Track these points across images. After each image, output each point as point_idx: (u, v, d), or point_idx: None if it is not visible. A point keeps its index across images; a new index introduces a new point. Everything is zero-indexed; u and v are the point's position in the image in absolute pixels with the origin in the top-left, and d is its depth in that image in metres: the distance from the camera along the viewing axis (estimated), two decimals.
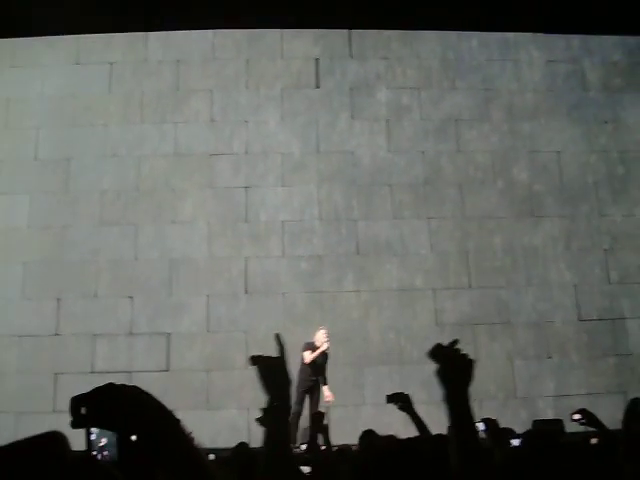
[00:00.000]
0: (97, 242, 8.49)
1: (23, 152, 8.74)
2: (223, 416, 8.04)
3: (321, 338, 7.53)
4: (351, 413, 8.03)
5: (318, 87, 9.03)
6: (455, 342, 1.72)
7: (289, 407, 1.66)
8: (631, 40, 9.51)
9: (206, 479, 1.05)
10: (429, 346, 6.23)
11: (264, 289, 8.43)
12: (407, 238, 8.65)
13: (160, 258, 8.47)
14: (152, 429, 1.03)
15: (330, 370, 8.22)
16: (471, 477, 1.53)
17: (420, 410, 3.29)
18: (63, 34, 8.74)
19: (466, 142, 9.04)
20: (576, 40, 9.42)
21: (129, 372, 8.18)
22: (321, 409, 7.54)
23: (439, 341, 6.12)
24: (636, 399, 3.46)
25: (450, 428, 1.60)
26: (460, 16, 8.95)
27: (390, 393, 3.51)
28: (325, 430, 4.35)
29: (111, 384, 1.06)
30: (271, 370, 1.69)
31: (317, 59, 9.11)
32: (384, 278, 8.53)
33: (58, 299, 8.37)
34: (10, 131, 8.83)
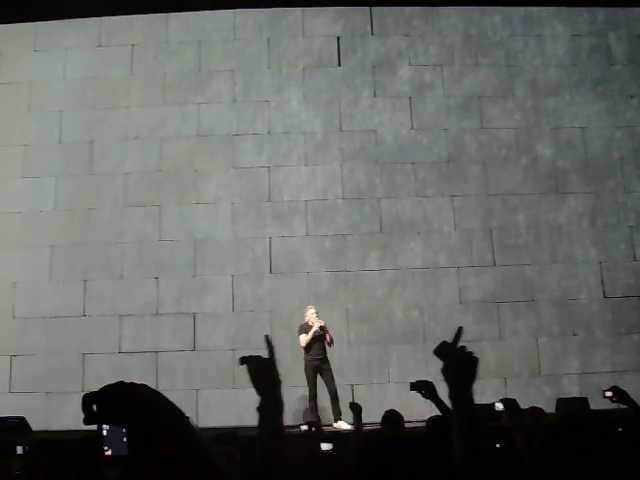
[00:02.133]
0: (122, 224, 9.14)
1: (47, 136, 9.38)
2: (249, 394, 8.60)
3: (311, 318, 7.96)
4: (376, 391, 8.62)
5: (340, 65, 9.55)
6: (460, 333, 1.79)
7: (281, 406, 1.83)
8: None
9: (214, 474, 1.12)
10: (453, 324, 7.07)
11: (288, 268, 9.01)
12: (431, 216, 9.18)
13: (185, 239, 9.09)
14: (161, 426, 1.09)
15: (354, 348, 8.85)
16: (472, 472, 1.63)
17: (443, 388, 3.64)
18: (84, 16, 9.40)
19: (489, 119, 9.52)
20: (601, 13, 9.86)
21: (155, 352, 8.88)
22: (342, 387, 8.19)
23: (463, 319, 6.96)
24: None
25: (453, 423, 1.72)
26: None
27: (413, 381, 3.72)
28: (358, 409, 4.64)
29: (121, 382, 1.13)
30: (261, 370, 1.88)
31: (338, 37, 9.62)
32: (408, 256, 9.07)
33: (85, 280, 9.04)
34: (34, 115, 9.48)
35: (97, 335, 8.91)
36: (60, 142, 9.40)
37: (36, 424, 7.55)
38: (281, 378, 1.86)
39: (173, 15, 9.54)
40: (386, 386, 8.68)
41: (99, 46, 9.58)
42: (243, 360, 1.97)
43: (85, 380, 8.71)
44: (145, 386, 1.15)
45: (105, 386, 1.13)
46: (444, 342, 1.80)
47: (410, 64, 9.62)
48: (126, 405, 1.10)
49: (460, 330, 1.80)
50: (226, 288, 9.00)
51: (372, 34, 9.68)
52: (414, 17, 9.75)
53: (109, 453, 1.20)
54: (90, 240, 9.12)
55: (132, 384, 1.14)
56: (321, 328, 7.91)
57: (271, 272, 9.03)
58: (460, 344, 1.79)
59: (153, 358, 8.86)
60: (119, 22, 9.55)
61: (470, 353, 1.77)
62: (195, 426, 1.16)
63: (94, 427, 1.13)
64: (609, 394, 3.80)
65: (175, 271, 9.04)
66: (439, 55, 9.69)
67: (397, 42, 9.67)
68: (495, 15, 9.83)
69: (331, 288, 9.00)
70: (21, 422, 7.29)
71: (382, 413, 4.98)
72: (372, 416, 5.20)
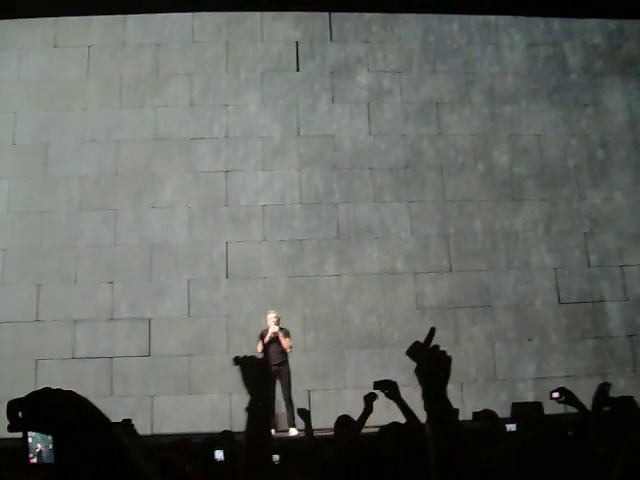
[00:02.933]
0: (77, 227, 9.23)
1: (1, 137, 9.50)
2: (205, 401, 8.77)
3: (269, 323, 8.15)
4: (332, 397, 8.82)
5: (298, 70, 9.81)
6: (432, 333, 1.82)
7: (271, 406, 2.16)
8: (611, 23, 10.35)
9: None
10: (410, 329, 7.41)
11: (245, 273, 9.20)
12: (388, 221, 9.45)
13: (140, 243, 9.23)
14: (86, 433, 1.09)
15: (311, 354, 9.07)
16: (449, 472, 1.66)
17: (402, 393, 3.57)
18: (40, 16, 9.54)
19: (447, 125, 9.85)
20: (556, 23, 10.28)
21: (110, 357, 9.00)
22: (298, 393, 8.40)
23: (419, 324, 7.26)
24: (604, 384, 3.83)
25: (429, 422, 1.74)
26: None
27: (377, 380, 3.73)
28: (307, 415, 4.82)
29: (47, 389, 1.14)
30: (253, 371, 1.97)
31: (297, 42, 9.89)
32: (365, 262, 9.32)
33: (38, 285, 9.12)
34: None
35: (50, 340, 8.98)
36: (14, 144, 9.48)
37: None
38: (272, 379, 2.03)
39: (131, 17, 9.71)
40: (343, 392, 8.86)
41: (55, 47, 9.71)
42: (237, 360, 2.02)
43: (38, 386, 8.70)
44: (72, 392, 1.15)
45: (31, 392, 1.14)
46: (416, 342, 1.82)
47: (369, 70, 9.92)
48: (52, 412, 1.11)
49: (432, 330, 1.83)
50: (182, 293, 9.15)
51: (331, 40, 9.96)
52: (373, 23, 10.07)
53: (34, 461, 1.10)
54: (44, 244, 9.20)
55: (59, 390, 1.15)
56: (274, 334, 8.09)
57: (227, 277, 9.22)
58: (432, 344, 1.81)
59: (108, 364, 8.98)
60: (76, 23, 9.68)
61: (443, 352, 1.80)
62: (120, 433, 1.16)
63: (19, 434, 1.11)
64: (556, 395, 3.91)
65: (130, 276, 9.18)
66: (397, 61, 10.01)
67: (356, 48, 9.97)
68: (453, 23, 10.19)
69: (288, 293, 9.21)
70: None
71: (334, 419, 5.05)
72: (328, 421, 5.32)
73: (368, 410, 4.32)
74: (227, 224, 9.35)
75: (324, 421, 6.34)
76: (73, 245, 9.23)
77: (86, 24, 9.73)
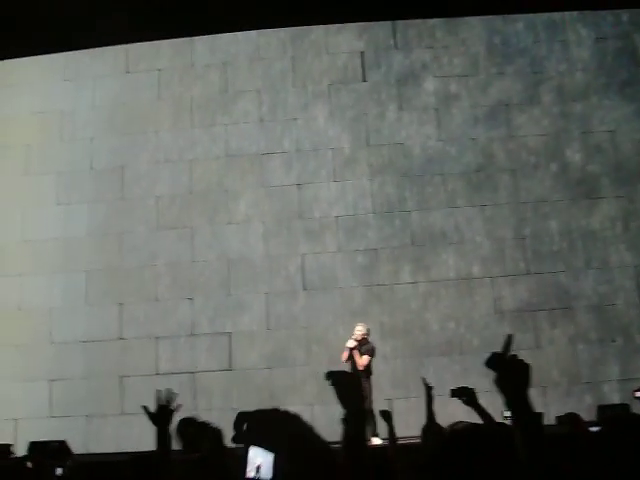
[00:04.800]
0: (155, 246, 10.16)
1: (79, 163, 10.50)
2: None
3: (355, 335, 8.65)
4: (413, 405, 9.37)
5: (365, 80, 10.52)
6: (510, 341, 1.88)
7: (365, 417, 2.27)
8: None
9: None
10: (489, 334, 8.24)
11: (321, 285, 9.91)
12: (462, 226, 10.02)
13: (217, 259, 10.08)
14: (312, 456, 1.13)
15: (390, 362, 9.69)
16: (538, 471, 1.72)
17: (482, 399, 3.69)
18: (111, 44, 10.59)
19: (517, 127, 10.34)
20: (625, 15, 10.65)
21: (192, 373, 9.87)
22: (379, 402, 8.94)
23: (499, 329, 8.06)
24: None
25: (515, 428, 1.82)
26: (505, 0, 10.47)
27: (454, 387, 3.84)
28: (388, 416, 5.04)
29: (276, 409, 1.22)
30: (345, 385, 2.05)
31: (362, 52, 10.60)
32: (441, 268, 9.90)
33: (120, 304, 10.05)
34: (65, 143, 10.59)
35: (134, 358, 9.89)
36: (91, 169, 10.52)
37: (76, 447, 8.38)
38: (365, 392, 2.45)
39: (198, 39, 10.66)
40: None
41: (127, 73, 10.75)
42: (329, 375, 2.10)
43: (124, 403, 9.67)
44: (298, 416, 1.24)
45: (260, 410, 1.24)
46: (494, 353, 1.89)
47: (435, 76, 10.53)
48: (279, 431, 1.19)
49: (510, 338, 1.90)
50: (260, 306, 9.92)
51: (396, 48, 10.63)
52: (437, 29, 10.71)
53: (251, 475, 1.14)
54: (124, 264, 10.16)
55: (288, 412, 1.25)
56: (349, 349, 8.58)
57: (304, 289, 9.95)
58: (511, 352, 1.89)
59: (190, 379, 9.81)
60: (145, 48, 10.66)
61: (521, 361, 1.86)
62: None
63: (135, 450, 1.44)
64: (639, 394, 4.18)
65: (209, 291, 10.02)
66: (463, 65, 10.59)
67: (421, 54, 10.62)
68: (518, 22, 10.73)
69: (365, 303, 9.84)
70: (61, 445, 8.26)
71: (421, 426, 5.12)
72: (411, 430, 5.58)
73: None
74: (302, 236, 10.09)
75: (405, 429, 6.92)
76: (152, 264, 10.15)
77: (155, 49, 10.71)
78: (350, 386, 2.11)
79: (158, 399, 2.39)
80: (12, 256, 10.38)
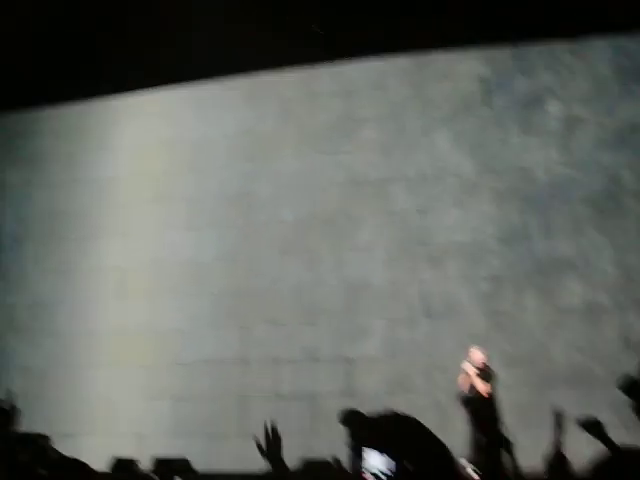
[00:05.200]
0: (279, 271, 10.59)
1: (208, 189, 11.16)
2: None
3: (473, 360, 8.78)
4: (535, 436, 9.35)
5: (488, 106, 10.65)
6: None
7: (502, 440, 2.43)
8: None
9: None
10: (617, 366, 8.09)
11: (444, 312, 10.00)
12: (589, 254, 9.87)
13: (340, 284, 10.37)
14: (432, 464, 1.15)
15: (512, 392, 9.58)
16: None
17: (610, 434, 3.60)
18: (238, 74, 11.19)
19: None
20: None
21: (313, 396, 10.20)
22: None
23: (628, 361, 7.92)
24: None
25: None
26: (629, 17, 10.34)
27: (580, 418, 3.76)
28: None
29: (395, 412, 1.25)
30: (481, 409, 2.47)
31: (485, 78, 10.75)
32: (566, 296, 9.78)
33: (244, 327, 10.56)
34: (195, 171, 11.26)
35: (256, 380, 10.29)
36: (220, 194, 11.13)
37: (198, 465, 8.72)
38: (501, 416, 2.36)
39: (322, 68, 11.11)
40: (547, 432, 9.37)
41: (253, 102, 11.33)
42: (464, 399, 2.39)
43: (244, 424, 10.03)
44: (420, 423, 1.31)
45: (380, 414, 1.32)
46: (628, 375, 1.98)
47: (559, 99, 10.50)
48: (402, 435, 1.25)
49: None
50: (382, 332, 10.11)
51: (519, 72, 10.68)
52: (561, 51, 10.63)
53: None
54: (249, 287, 10.65)
55: (406, 416, 1.31)
56: (468, 374, 8.69)
57: (426, 316, 10.08)
58: None
59: (310, 403, 10.12)
60: (272, 78, 11.24)
61: None
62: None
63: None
64: None
65: (331, 316, 10.31)
66: (589, 88, 10.47)
67: (545, 78, 10.57)
68: None
69: (487, 330, 9.84)
70: (185, 463, 8.70)
71: (542, 459, 5.25)
72: (532, 462, 5.96)
73: (560, 428, 4.66)
74: (424, 263, 10.23)
75: (526, 462, 6.90)
76: (276, 288, 10.55)
77: (280, 78, 11.24)
78: (486, 407, 2.07)
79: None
80: (143, 279, 11.05)
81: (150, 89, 11.48)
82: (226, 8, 9.92)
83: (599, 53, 10.65)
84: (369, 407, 9.31)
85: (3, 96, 11.74)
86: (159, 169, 11.48)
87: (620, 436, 3.71)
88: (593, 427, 3.67)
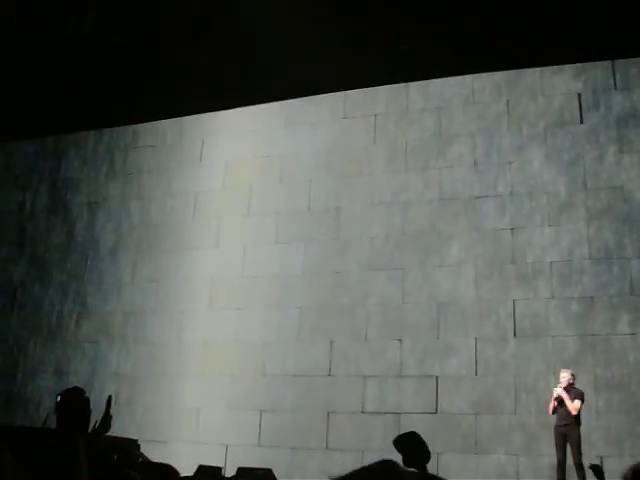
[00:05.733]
0: (367, 286, 10.52)
1: (297, 203, 11.23)
2: (491, 461, 9.34)
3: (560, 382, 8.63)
4: (627, 464, 9.02)
5: (582, 122, 10.37)
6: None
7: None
8: None
9: None
10: None
11: (533, 332, 9.74)
12: None
13: (428, 301, 10.26)
14: None
15: (604, 417, 9.29)
16: None
17: None
18: (329, 92, 11.28)
19: None
20: None
21: (398, 413, 10.06)
22: (590, 458, 8.56)
23: None
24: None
25: None
26: None
27: None
28: (599, 472, 5.17)
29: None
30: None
31: (579, 94, 10.47)
32: None
33: (331, 341, 10.54)
34: (284, 185, 11.40)
35: (341, 394, 10.24)
36: (309, 209, 11.18)
37: (280, 477, 8.72)
38: None
39: (412, 85, 11.05)
40: (638, 460, 9.00)
41: (344, 118, 11.38)
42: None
43: (329, 438, 10.07)
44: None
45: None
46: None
47: None
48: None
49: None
50: (469, 351, 9.93)
51: (615, 88, 10.39)
52: None
53: None
54: (336, 302, 10.64)
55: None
56: (558, 395, 8.54)
57: (515, 335, 9.85)
58: None
59: (395, 419, 10.01)
60: (362, 95, 11.25)
61: None
62: None
63: None
64: None
65: (418, 333, 10.19)
66: None
67: None
68: None
69: (578, 352, 9.54)
70: (268, 473, 8.74)
71: None
72: None
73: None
74: (514, 282, 10.01)
75: None
76: (363, 303, 10.52)
77: (371, 95, 11.24)
78: None
79: None
80: (233, 291, 11.21)
81: (243, 106, 11.67)
82: (319, 26, 10.00)
83: None
84: (453, 425, 9.26)
85: (104, 112, 12.16)
86: (250, 183, 11.66)
87: None
88: None
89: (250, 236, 11.41)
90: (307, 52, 10.42)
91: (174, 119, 12.59)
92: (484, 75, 10.87)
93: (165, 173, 12.49)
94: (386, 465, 1.34)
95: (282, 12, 10.29)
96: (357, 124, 11.27)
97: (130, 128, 13.02)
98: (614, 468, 8.61)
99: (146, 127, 12.87)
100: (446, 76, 10.89)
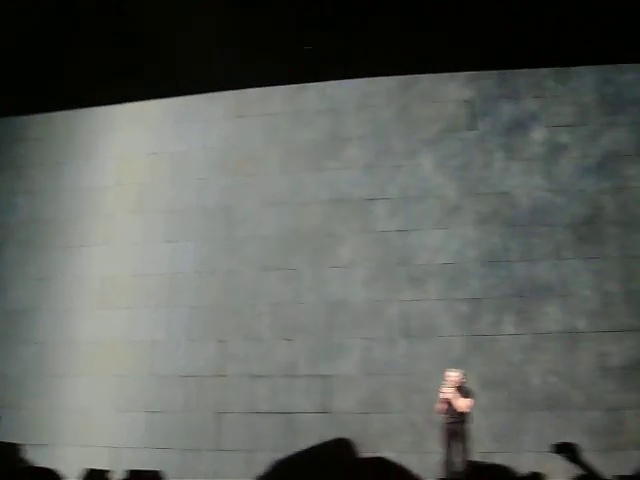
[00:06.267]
0: (258, 286, 10.39)
1: (188, 202, 10.95)
2: None
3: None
4: (511, 460, 8.98)
5: (472, 129, 10.58)
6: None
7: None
8: None
9: None
10: (594, 391, 8.01)
11: (422, 332, 9.84)
12: (568, 279, 9.78)
13: (319, 302, 10.18)
14: None
15: (489, 415, 9.47)
16: None
17: (584, 459, 3.88)
18: (225, 90, 11.07)
19: (628, 178, 10.06)
20: None
21: (288, 413, 9.97)
22: (476, 455, 8.69)
23: (605, 387, 7.84)
24: None
25: None
26: (616, 48, 10.29)
27: (557, 443, 4.03)
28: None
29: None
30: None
31: (470, 101, 10.68)
32: (544, 321, 9.66)
33: (221, 341, 10.35)
34: (176, 183, 11.08)
35: (232, 395, 10.08)
36: (200, 208, 10.93)
37: (171, 479, 8.51)
38: None
39: (308, 85, 10.96)
40: (522, 455, 9.05)
41: (238, 117, 11.20)
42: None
43: (220, 439, 9.88)
44: None
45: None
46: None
47: (544, 125, 10.45)
48: None
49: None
50: (359, 351, 9.93)
51: (504, 97, 10.66)
52: (546, 78, 10.61)
53: None
54: (227, 302, 10.44)
55: None
56: (445, 395, 8.67)
57: (404, 336, 9.92)
58: None
59: (286, 419, 9.91)
60: (257, 94, 11.11)
61: None
62: None
63: None
64: None
65: (309, 333, 10.12)
66: (573, 115, 10.45)
67: (529, 104, 10.55)
68: (630, 72, 10.46)
69: (465, 352, 9.71)
70: (156, 475, 8.49)
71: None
72: None
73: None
74: (404, 283, 10.09)
75: None
76: (255, 303, 10.36)
77: (267, 94, 11.11)
78: None
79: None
80: (121, 289, 10.85)
81: (136, 101, 11.31)
82: (213, 24, 9.79)
83: (584, 81, 10.67)
84: (344, 425, 9.25)
85: None
86: (142, 180, 11.30)
87: (595, 460, 3.59)
88: (569, 451, 3.62)
89: (141, 234, 11.06)
90: (202, 49, 10.18)
91: (66, 111, 12.08)
92: (377, 79, 10.91)
93: (55, 167, 11.98)
94: (341, 440, 1.17)
95: (179, 7, 10.03)
96: (251, 123, 11.11)
97: (19, 119, 12.42)
98: (498, 463, 8.92)
99: (36, 119, 12.31)
100: (341, 79, 10.85)
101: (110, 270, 11.02)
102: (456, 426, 8.66)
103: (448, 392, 8.69)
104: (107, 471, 8.79)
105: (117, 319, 10.73)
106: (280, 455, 9.47)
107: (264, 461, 9.39)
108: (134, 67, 10.53)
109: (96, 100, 11.29)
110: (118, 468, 8.85)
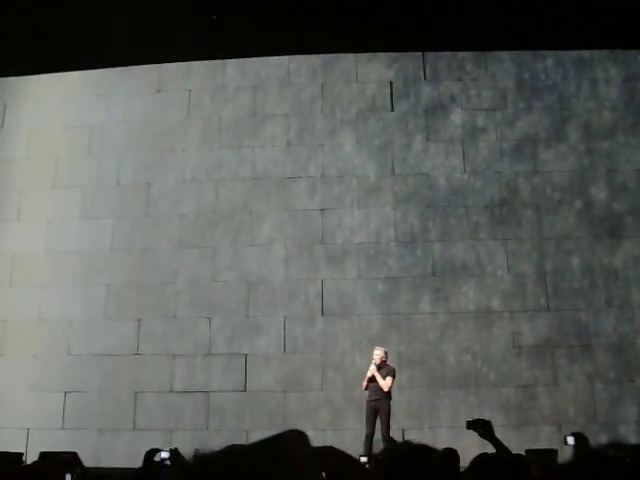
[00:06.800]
0: (176, 264, 10.16)
1: (105, 177, 10.59)
2: None
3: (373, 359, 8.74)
4: (427, 436, 9.23)
5: (393, 110, 10.57)
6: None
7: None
8: None
9: None
10: (506, 369, 8.17)
11: (340, 311, 9.85)
12: (484, 259, 9.96)
13: (238, 280, 10.07)
14: None
15: (406, 392, 9.59)
16: None
17: (498, 434, 3.73)
18: (144, 64, 10.74)
19: (543, 162, 10.32)
20: None
21: (207, 392, 9.83)
22: (393, 431, 8.79)
23: (517, 365, 7.90)
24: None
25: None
26: (535, 35, 10.49)
27: (470, 419, 3.84)
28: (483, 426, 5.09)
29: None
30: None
31: (391, 82, 10.66)
32: (460, 300, 9.83)
33: (139, 319, 10.06)
34: (93, 157, 10.71)
35: (149, 374, 9.86)
36: (118, 184, 10.60)
37: (87, 460, 8.40)
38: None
39: (229, 62, 10.74)
40: (438, 430, 9.30)
41: (158, 92, 10.88)
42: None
43: (137, 418, 9.67)
44: None
45: None
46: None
47: (463, 108, 10.55)
48: None
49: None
50: (278, 329, 9.88)
51: (425, 79, 10.67)
52: (466, 62, 10.75)
53: None
54: (145, 280, 10.18)
55: None
56: (371, 373, 8.64)
57: (323, 314, 9.91)
58: None
59: (204, 398, 9.78)
60: (177, 68, 10.80)
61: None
62: None
63: None
64: (571, 441, 4.17)
65: (228, 312, 10.00)
66: (492, 99, 10.60)
67: (449, 86, 10.66)
68: (548, 59, 10.73)
69: (383, 331, 9.77)
70: (72, 457, 8.26)
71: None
72: None
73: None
74: (323, 262, 10.06)
75: None
76: (173, 281, 10.17)
77: (187, 69, 10.83)
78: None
79: None
80: (35, 267, 10.45)
81: (53, 72, 10.87)
82: None
83: (503, 66, 10.82)
84: (262, 403, 9.13)
85: None
86: (56, 154, 10.88)
87: (507, 435, 3.60)
88: (482, 427, 3.74)
89: (55, 210, 10.65)
90: (123, 22, 9.86)
91: None
92: (300, 57, 10.80)
93: None
94: (294, 432, 1.21)
95: None
96: (171, 98, 10.84)
97: None
98: (414, 439, 9.02)
99: None
100: (263, 55, 10.69)
101: (23, 247, 10.59)
102: (378, 403, 8.67)
103: (371, 370, 8.67)
104: (21, 454, 8.49)
105: (30, 298, 10.33)
106: (198, 434, 9.33)
107: (182, 440, 9.23)
108: (50, 37, 10.11)
109: (9, 70, 10.79)
110: (32, 450, 8.56)
